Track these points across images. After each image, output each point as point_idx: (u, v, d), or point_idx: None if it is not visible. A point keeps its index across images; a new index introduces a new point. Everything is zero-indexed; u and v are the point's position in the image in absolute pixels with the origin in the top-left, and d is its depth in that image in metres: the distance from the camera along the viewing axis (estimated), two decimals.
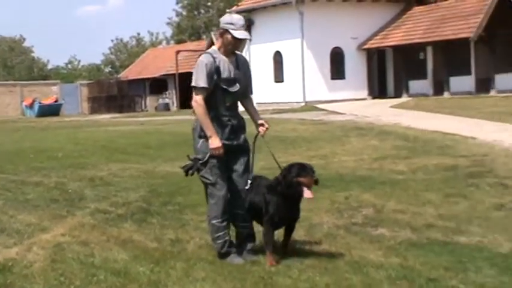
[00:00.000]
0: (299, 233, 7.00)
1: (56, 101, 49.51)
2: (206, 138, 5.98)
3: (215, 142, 5.93)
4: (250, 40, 36.36)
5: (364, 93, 34.86)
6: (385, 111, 25.01)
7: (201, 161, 6.01)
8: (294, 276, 5.45)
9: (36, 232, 7.52)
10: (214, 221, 6.08)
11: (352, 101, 32.17)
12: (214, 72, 5.96)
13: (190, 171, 6.09)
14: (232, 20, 6.03)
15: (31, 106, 48.28)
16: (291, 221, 6.17)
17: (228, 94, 6.06)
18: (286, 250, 6.18)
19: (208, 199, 6.17)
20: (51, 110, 47.09)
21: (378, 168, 11.54)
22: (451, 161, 11.74)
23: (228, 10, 42.15)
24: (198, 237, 6.81)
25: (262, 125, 6.29)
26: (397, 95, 34.04)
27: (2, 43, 77.48)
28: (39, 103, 48.00)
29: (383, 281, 5.26)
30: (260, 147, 6.43)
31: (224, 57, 6.06)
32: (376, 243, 6.54)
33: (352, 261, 5.87)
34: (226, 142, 6.03)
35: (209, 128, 5.95)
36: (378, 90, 35.86)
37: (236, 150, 6.14)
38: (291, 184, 5.92)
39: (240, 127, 6.20)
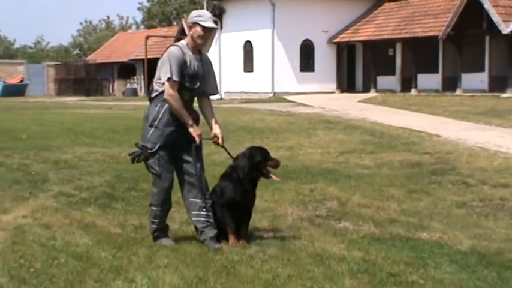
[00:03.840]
0: (263, 224, 7.03)
1: (21, 81, 48.98)
2: (157, 128, 6.12)
3: (196, 131, 6.14)
4: (221, 28, 36.50)
5: (333, 86, 35.00)
6: (352, 106, 25.14)
7: (150, 151, 6.11)
8: (256, 267, 5.46)
9: None
10: (153, 208, 6.29)
11: (320, 94, 32.30)
12: (182, 66, 6.09)
13: (137, 159, 6.20)
14: (200, 13, 6.27)
15: None
16: (247, 206, 6.29)
17: (187, 90, 6.17)
18: (247, 240, 6.21)
19: (152, 187, 6.32)
20: (16, 90, 46.57)
21: (343, 162, 11.61)
22: (416, 158, 11.85)
23: None
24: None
25: (216, 135, 6.37)
26: (365, 89, 34.24)
27: None
28: (4, 82, 47.44)
29: (344, 274, 5.29)
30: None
31: (191, 53, 6.21)
32: (339, 236, 6.58)
33: (314, 254, 5.90)
34: (178, 134, 6.14)
35: (188, 118, 6.12)
36: (346, 84, 36.03)
37: (188, 140, 6.20)
38: (257, 167, 6.18)
39: (194, 120, 6.25)
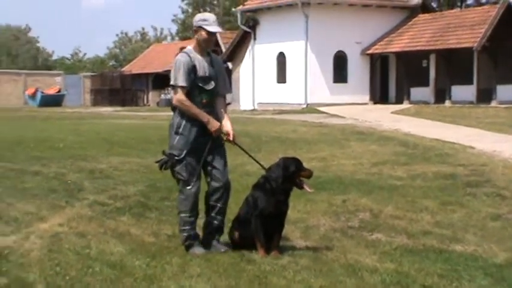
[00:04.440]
0: (295, 234, 7.02)
1: (58, 92, 49.50)
2: (182, 134, 6.20)
3: (214, 124, 6.21)
4: (254, 40, 36.60)
5: (366, 98, 34.77)
6: (386, 117, 24.98)
7: (176, 157, 6.18)
8: (288, 277, 5.45)
9: (34, 221, 7.53)
10: (182, 215, 6.33)
11: (353, 105, 32.10)
12: (191, 71, 6.17)
13: (164, 166, 6.28)
14: (204, 16, 6.33)
15: (33, 96, 48.19)
16: (280, 216, 6.27)
17: (204, 92, 6.26)
18: (280, 250, 6.20)
19: (179, 194, 6.35)
20: (54, 101, 47.04)
21: (376, 173, 11.54)
22: (450, 170, 11.74)
23: (233, 9, 42.26)
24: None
25: (227, 132, 6.41)
26: (399, 101, 33.95)
27: (7, 32, 77.48)
28: (42, 93, 47.96)
29: (377, 286, 5.26)
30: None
31: (199, 57, 6.28)
32: (371, 248, 6.54)
33: (347, 265, 5.87)
34: (204, 138, 6.22)
35: (202, 115, 6.20)
36: (379, 95, 35.76)
37: (215, 147, 6.31)
38: (290, 178, 6.18)
39: None
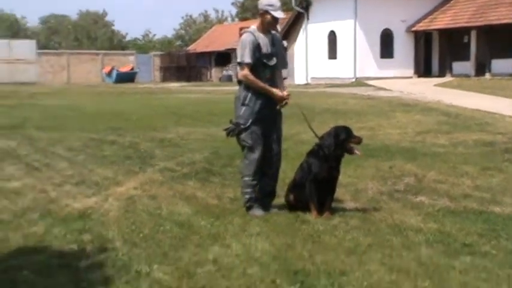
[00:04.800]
0: (346, 197, 6.99)
1: (131, 69, 50.06)
2: (248, 105, 6.23)
3: (278, 93, 6.25)
4: (307, 20, 36.37)
5: (411, 72, 34.29)
6: (429, 89, 24.55)
7: (242, 126, 6.23)
8: (339, 236, 5.44)
9: (111, 185, 7.68)
10: (246, 178, 6.36)
11: (399, 79, 31.65)
12: (256, 49, 6.18)
13: (231, 134, 6.34)
14: (271, 2, 6.23)
15: (110, 73, 48.89)
16: (332, 181, 6.25)
17: (267, 67, 6.28)
18: (332, 212, 6.19)
19: (243, 159, 6.39)
20: (127, 77, 47.65)
21: (420, 141, 11.38)
22: (489, 137, 11.50)
23: None
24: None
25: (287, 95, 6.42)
26: (441, 74, 33.35)
27: (87, 17, 78.50)
28: (117, 71, 48.60)
29: (421, 244, 5.21)
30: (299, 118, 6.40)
31: (262, 35, 6.27)
32: (416, 209, 6.47)
33: (393, 225, 5.83)
34: (267, 110, 6.25)
35: (266, 89, 6.23)
36: (423, 69, 35.18)
37: (274, 118, 6.36)
38: (341, 145, 6.17)
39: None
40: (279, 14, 6.22)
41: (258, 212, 6.27)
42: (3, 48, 45.81)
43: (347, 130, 6.31)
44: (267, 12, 6.20)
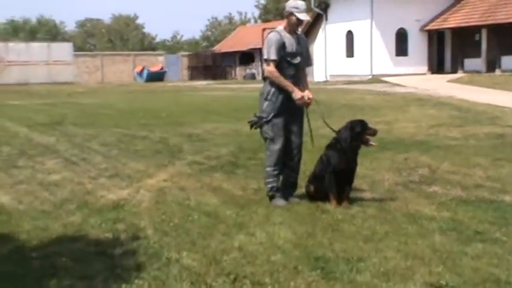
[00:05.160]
0: (363, 187, 6.96)
1: (161, 69, 50.28)
2: (270, 100, 6.25)
3: (298, 94, 6.21)
4: (326, 20, 36.25)
5: (424, 68, 34.02)
6: (442, 85, 24.32)
7: (265, 119, 6.25)
8: (357, 224, 5.42)
9: (143, 177, 7.71)
10: (268, 169, 6.37)
11: (413, 75, 31.42)
12: (281, 47, 6.20)
13: (254, 126, 6.38)
14: (296, 4, 6.26)
15: (141, 73, 49.14)
16: (350, 172, 6.23)
17: (291, 65, 6.28)
18: (350, 201, 6.16)
19: (266, 150, 6.41)
20: (157, 77, 47.86)
21: (434, 134, 11.28)
22: (500, 130, 11.37)
23: None
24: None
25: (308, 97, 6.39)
26: (454, 71, 33.03)
27: (119, 20, 78.87)
28: (148, 70, 48.82)
29: (435, 231, 5.17)
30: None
31: (288, 35, 6.29)
32: (430, 199, 6.42)
33: (408, 214, 5.79)
34: (288, 105, 6.24)
35: (288, 85, 6.22)
36: (436, 66, 34.87)
37: (295, 112, 6.35)
38: (357, 137, 6.14)
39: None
40: (303, 16, 6.25)
41: (279, 202, 6.26)
42: (43, 51, 46.26)
43: (362, 123, 6.27)
44: (292, 14, 6.23)
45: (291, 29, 6.31)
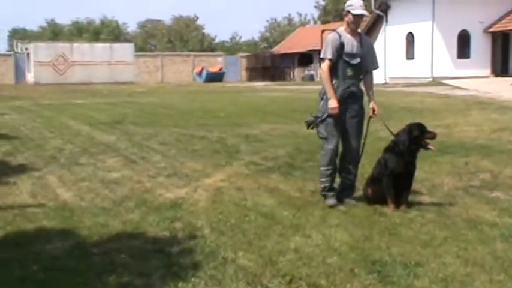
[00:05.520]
0: (422, 192, 6.84)
1: (220, 70, 50.66)
2: (325, 99, 6.25)
3: (333, 103, 6.19)
4: (386, 22, 35.84)
5: (487, 71, 33.22)
6: (505, 88, 23.66)
7: (320, 119, 6.27)
8: (415, 229, 5.33)
9: (201, 177, 7.79)
10: (322, 168, 6.40)
11: (475, 78, 30.71)
12: (338, 47, 6.21)
13: (311, 125, 6.39)
14: (351, 2, 6.30)
15: (200, 73, 49.65)
16: (408, 176, 6.14)
17: (349, 65, 6.26)
18: (408, 205, 6.07)
19: (321, 150, 6.42)
20: (216, 77, 48.24)
21: (496, 139, 10.99)
22: None
23: None
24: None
25: (373, 109, 6.40)
26: None
27: (180, 21, 79.92)
28: (207, 71, 49.28)
29: (496, 238, 5.04)
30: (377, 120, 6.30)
31: (349, 36, 6.29)
32: (491, 205, 6.26)
33: (468, 219, 5.66)
34: (343, 106, 6.21)
35: (329, 90, 6.21)
36: (500, 69, 33.99)
37: (353, 114, 6.31)
38: (416, 141, 6.07)
39: (358, 95, 6.37)
40: (358, 11, 6.24)
41: (330, 201, 6.27)
42: (106, 51, 47.36)
43: (420, 126, 6.20)
44: (348, 12, 6.27)
45: (351, 28, 6.30)
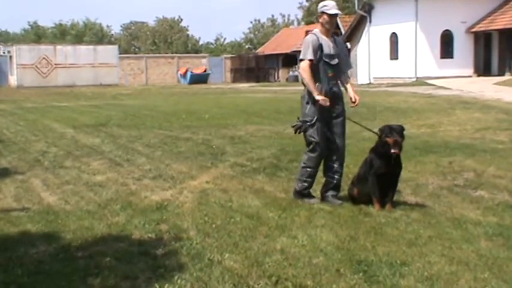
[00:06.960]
0: (406, 191, 6.87)
1: (204, 71, 50.59)
2: (313, 103, 6.29)
3: (320, 96, 6.25)
4: (370, 22, 36.00)
5: (470, 71, 33.44)
6: (488, 88, 23.85)
7: (309, 123, 6.33)
8: (401, 228, 5.36)
9: (186, 179, 7.78)
10: (308, 169, 6.45)
11: (458, 78, 30.92)
12: (318, 48, 6.29)
13: (298, 131, 6.44)
14: (325, 3, 6.40)
15: (184, 75, 49.56)
16: (394, 175, 6.15)
17: (329, 66, 6.34)
18: (393, 205, 6.10)
19: (308, 152, 6.46)
20: (201, 79, 48.18)
21: (480, 138, 11.07)
22: None
23: None
24: (318, 191, 6.80)
25: (353, 99, 6.47)
26: (501, 73, 32.33)
27: (164, 23, 79.68)
28: (191, 72, 49.20)
29: (480, 236, 5.08)
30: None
31: (325, 38, 6.38)
32: (475, 203, 6.31)
33: (453, 218, 5.70)
34: (329, 108, 6.28)
35: (312, 86, 6.27)
36: (483, 68, 34.24)
37: (338, 114, 6.42)
38: (383, 143, 6.10)
39: (340, 95, 6.46)
40: (333, 11, 6.32)
41: (313, 199, 6.41)
42: (89, 54, 47.08)
43: (390, 128, 6.14)
44: (323, 13, 6.35)
45: (326, 29, 6.38)
